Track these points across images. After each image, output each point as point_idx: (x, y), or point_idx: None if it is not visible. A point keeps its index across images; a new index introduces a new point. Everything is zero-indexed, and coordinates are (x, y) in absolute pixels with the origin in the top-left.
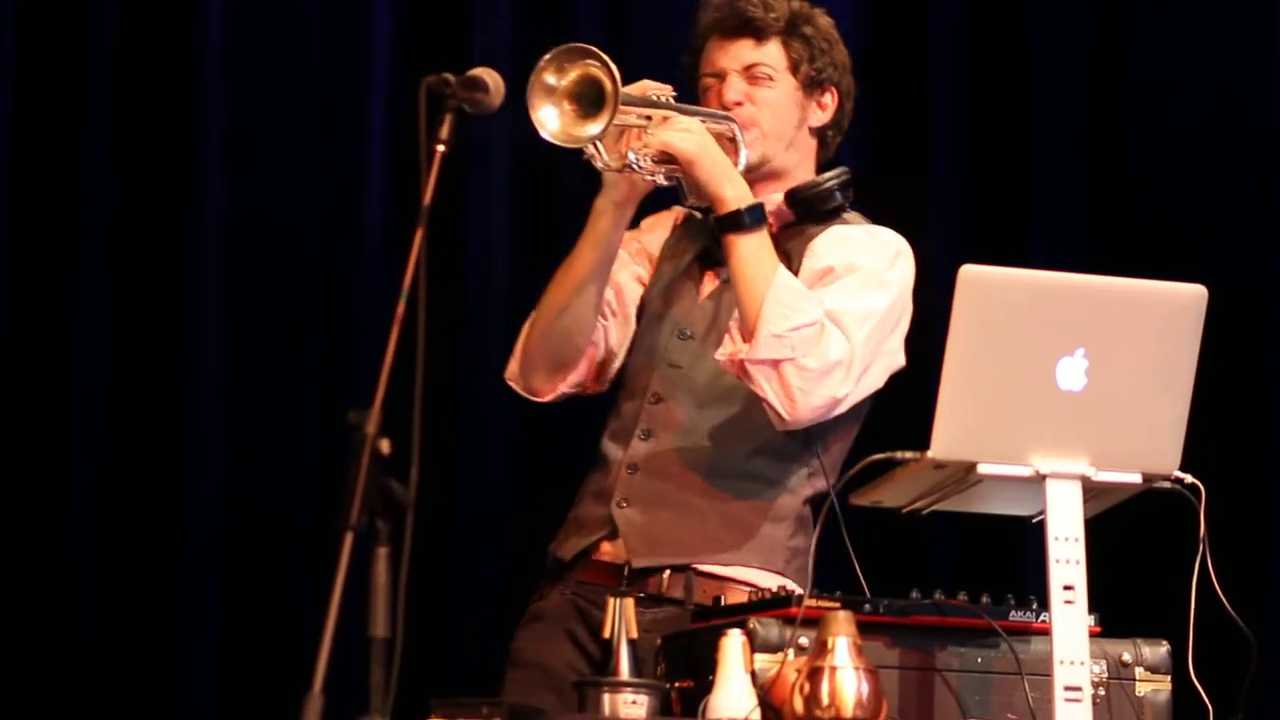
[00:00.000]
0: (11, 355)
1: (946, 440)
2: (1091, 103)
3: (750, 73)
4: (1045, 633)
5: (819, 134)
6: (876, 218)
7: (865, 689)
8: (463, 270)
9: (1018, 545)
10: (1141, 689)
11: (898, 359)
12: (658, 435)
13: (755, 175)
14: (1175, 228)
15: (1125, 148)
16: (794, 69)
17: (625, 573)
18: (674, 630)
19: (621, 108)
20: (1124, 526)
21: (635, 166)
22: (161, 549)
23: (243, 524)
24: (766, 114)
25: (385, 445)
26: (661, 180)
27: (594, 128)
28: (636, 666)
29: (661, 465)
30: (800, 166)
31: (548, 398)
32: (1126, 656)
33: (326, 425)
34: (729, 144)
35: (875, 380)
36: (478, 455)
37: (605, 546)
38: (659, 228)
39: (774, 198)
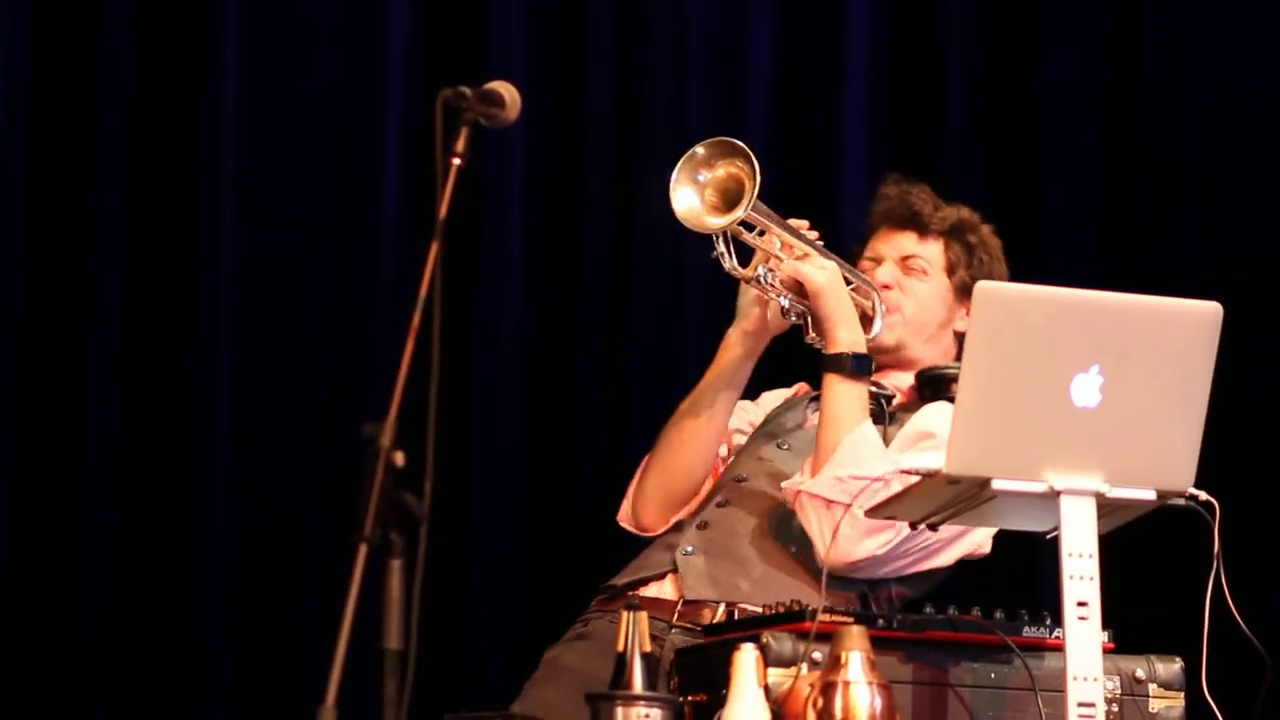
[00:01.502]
0: (26, 365)
1: (961, 456)
2: (1107, 116)
3: (906, 263)
4: (1059, 649)
5: (960, 339)
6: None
7: (879, 704)
8: (478, 283)
9: (1032, 561)
10: (1155, 705)
11: (981, 548)
12: (732, 506)
13: (890, 358)
14: (1190, 245)
15: (1141, 163)
16: (950, 270)
17: (679, 608)
18: None
19: (765, 224)
20: (1138, 543)
21: (762, 280)
22: (174, 563)
23: (256, 536)
24: (912, 303)
25: (400, 458)
26: (784, 303)
27: (719, 220)
28: (650, 680)
29: (733, 525)
30: (935, 361)
31: (657, 531)
32: (1140, 673)
33: (341, 437)
34: (864, 315)
35: (944, 560)
36: (492, 468)
37: (659, 584)
38: (783, 394)
39: (904, 379)
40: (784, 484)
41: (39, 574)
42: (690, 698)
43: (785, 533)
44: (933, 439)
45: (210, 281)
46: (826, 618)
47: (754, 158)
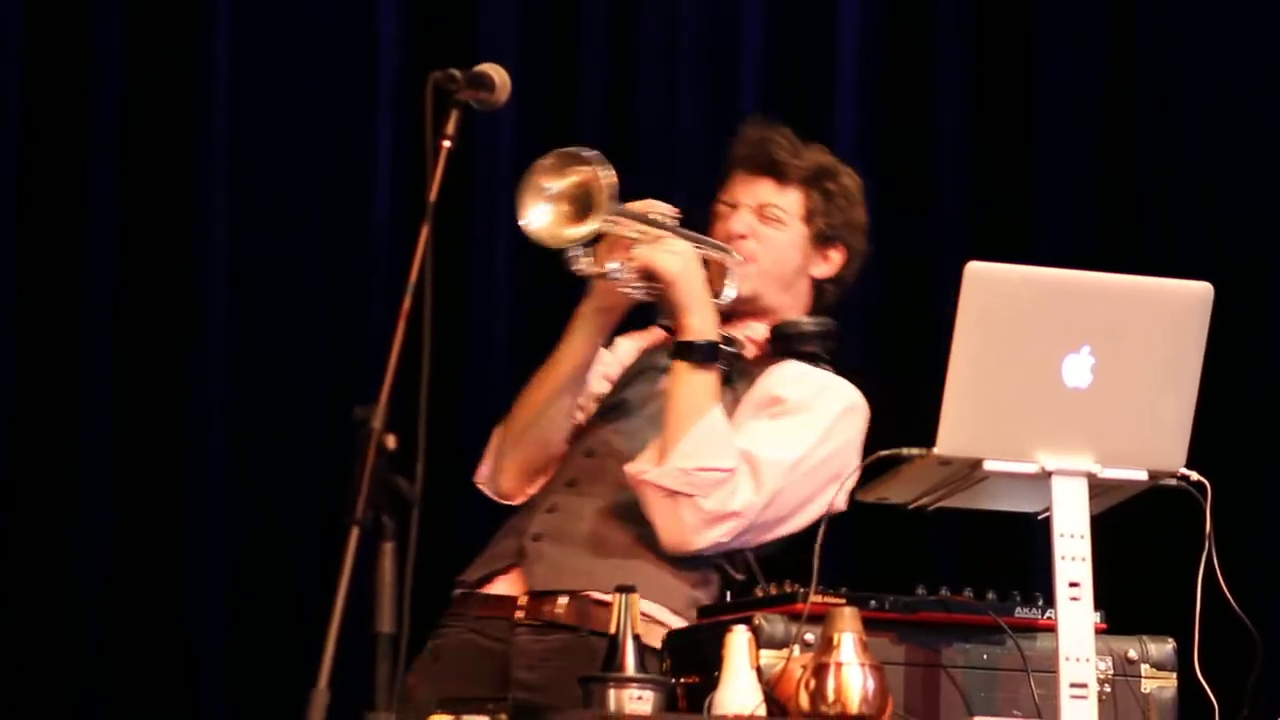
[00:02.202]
0: (19, 362)
1: (952, 437)
2: (1098, 100)
3: (763, 211)
4: (1051, 629)
5: (818, 285)
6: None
7: (871, 685)
8: (468, 266)
9: (1023, 542)
10: (1147, 686)
11: (836, 505)
12: (581, 485)
13: (745, 308)
14: (1181, 225)
15: (1132, 145)
16: (807, 218)
17: (520, 603)
18: (576, 659)
19: (618, 219)
20: (1130, 523)
21: (615, 275)
22: (167, 545)
23: (248, 520)
24: (769, 254)
25: (391, 441)
26: (640, 295)
27: (576, 231)
28: (642, 662)
29: (580, 508)
30: (791, 310)
31: (517, 500)
32: (1132, 653)
33: (332, 420)
34: (721, 272)
35: (795, 526)
36: (483, 450)
37: (506, 579)
38: (638, 340)
39: (759, 329)
40: (627, 468)
41: (35, 571)
42: (682, 679)
43: (633, 514)
44: (781, 404)
45: (205, 265)
46: (819, 599)
47: (600, 158)
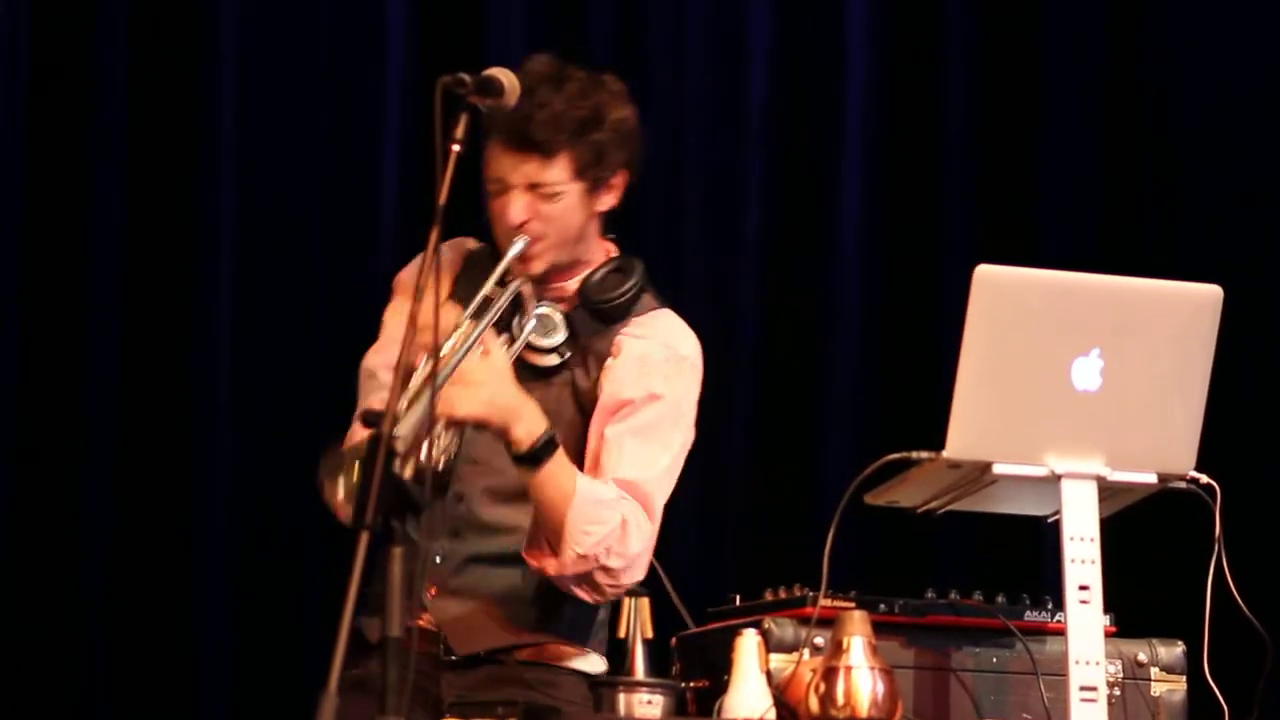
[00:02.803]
0: (23, 364)
1: (962, 440)
2: (1104, 100)
3: (537, 191)
4: (1061, 633)
5: (603, 216)
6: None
7: (880, 689)
8: None
9: (1033, 545)
10: (1157, 689)
11: (689, 439)
12: (463, 533)
13: (550, 275)
14: (1188, 227)
15: (1139, 147)
16: (580, 174)
17: (442, 649)
18: (503, 684)
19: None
20: (1139, 526)
21: (451, 450)
22: (174, 548)
23: (256, 523)
24: (555, 226)
25: (400, 445)
26: (465, 434)
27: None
28: (652, 666)
29: (469, 558)
30: (587, 251)
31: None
32: (1142, 656)
33: (341, 423)
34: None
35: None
36: None
37: (424, 619)
38: (447, 273)
39: (569, 285)
40: (528, 561)
41: (39, 573)
42: (692, 683)
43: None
44: (632, 407)
45: (210, 268)
46: (828, 603)
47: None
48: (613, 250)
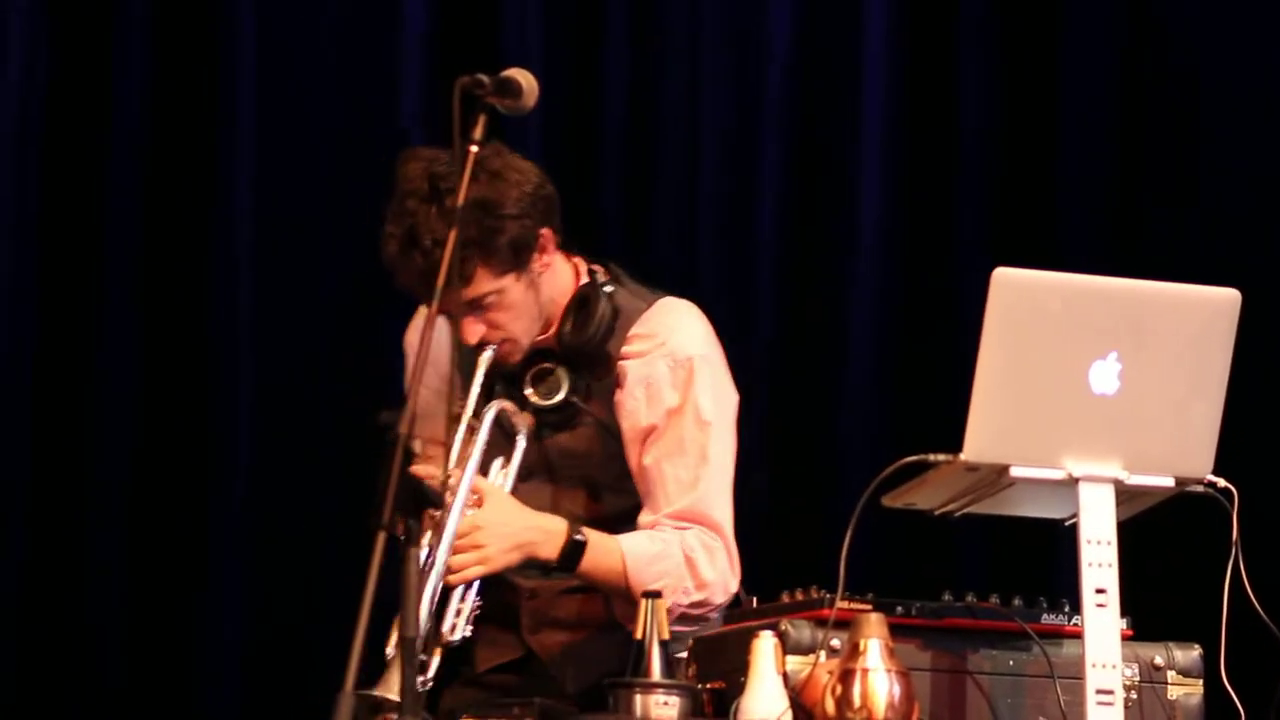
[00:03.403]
0: (38, 365)
1: (980, 443)
2: (1123, 104)
3: (477, 304)
4: (1077, 636)
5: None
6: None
7: (897, 691)
8: None
9: (1050, 548)
10: (1173, 693)
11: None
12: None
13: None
14: (1208, 231)
15: (1158, 150)
16: (506, 272)
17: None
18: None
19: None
20: (1157, 530)
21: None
22: (191, 549)
23: (271, 525)
24: (515, 323)
25: (417, 445)
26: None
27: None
28: (668, 668)
29: (562, 591)
30: (555, 296)
31: None
32: (1159, 660)
33: (358, 425)
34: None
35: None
36: None
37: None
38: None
39: (550, 338)
40: (629, 627)
41: (55, 575)
42: (708, 685)
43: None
44: (657, 434)
45: (229, 269)
46: (845, 605)
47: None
48: (580, 268)
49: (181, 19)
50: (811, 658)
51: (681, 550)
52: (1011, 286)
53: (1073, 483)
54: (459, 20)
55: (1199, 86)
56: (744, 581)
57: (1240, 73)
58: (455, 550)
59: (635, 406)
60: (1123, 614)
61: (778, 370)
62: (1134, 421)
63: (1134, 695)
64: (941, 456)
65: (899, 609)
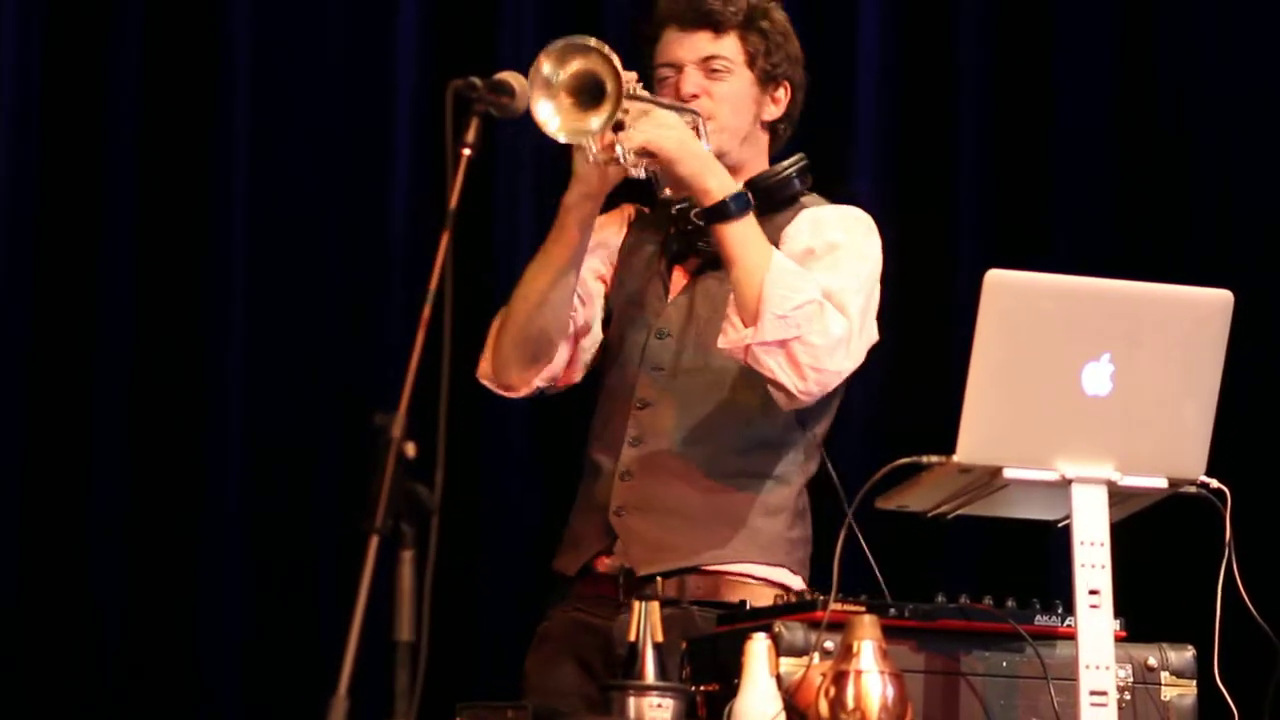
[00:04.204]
0: (34, 367)
1: (972, 444)
2: (1118, 103)
3: (708, 65)
4: (1071, 637)
5: (771, 127)
6: (834, 188)
7: (890, 693)
8: (489, 274)
9: (1043, 550)
10: (1167, 694)
11: (874, 334)
12: (647, 440)
13: None
14: (1201, 232)
15: (1151, 150)
16: (750, 63)
17: (621, 581)
18: (676, 632)
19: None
20: (1150, 531)
21: (622, 160)
22: (185, 554)
23: (266, 528)
24: (724, 108)
25: (410, 448)
26: (640, 174)
27: (596, 121)
28: (661, 670)
29: (654, 470)
30: (754, 160)
31: (523, 393)
32: (1152, 661)
33: (352, 429)
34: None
35: (861, 355)
36: (503, 458)
37: (604, 558)
38: (612, 225)
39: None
40: (723, 343)
41: (51, 578)
42: (702, 687)
43: (712, 464)
44: (814, 252)
45: (223, 272)
46: (838, 607)
47: (601, 43)
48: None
49: (177, 15)
50: (805, 660)
51: (819, 294)
52: (1004, 288)
53: (1066, 484)
54: (453, 19)
55: (1193, 93)
56: None
57: (1235, 77)
58: (635, 118)
59: (798, 234)
60: (1116, 615)
61: None
62: (1127, 422)
63: (1127, 696)
64: (934, 458)
65: (892, 611)
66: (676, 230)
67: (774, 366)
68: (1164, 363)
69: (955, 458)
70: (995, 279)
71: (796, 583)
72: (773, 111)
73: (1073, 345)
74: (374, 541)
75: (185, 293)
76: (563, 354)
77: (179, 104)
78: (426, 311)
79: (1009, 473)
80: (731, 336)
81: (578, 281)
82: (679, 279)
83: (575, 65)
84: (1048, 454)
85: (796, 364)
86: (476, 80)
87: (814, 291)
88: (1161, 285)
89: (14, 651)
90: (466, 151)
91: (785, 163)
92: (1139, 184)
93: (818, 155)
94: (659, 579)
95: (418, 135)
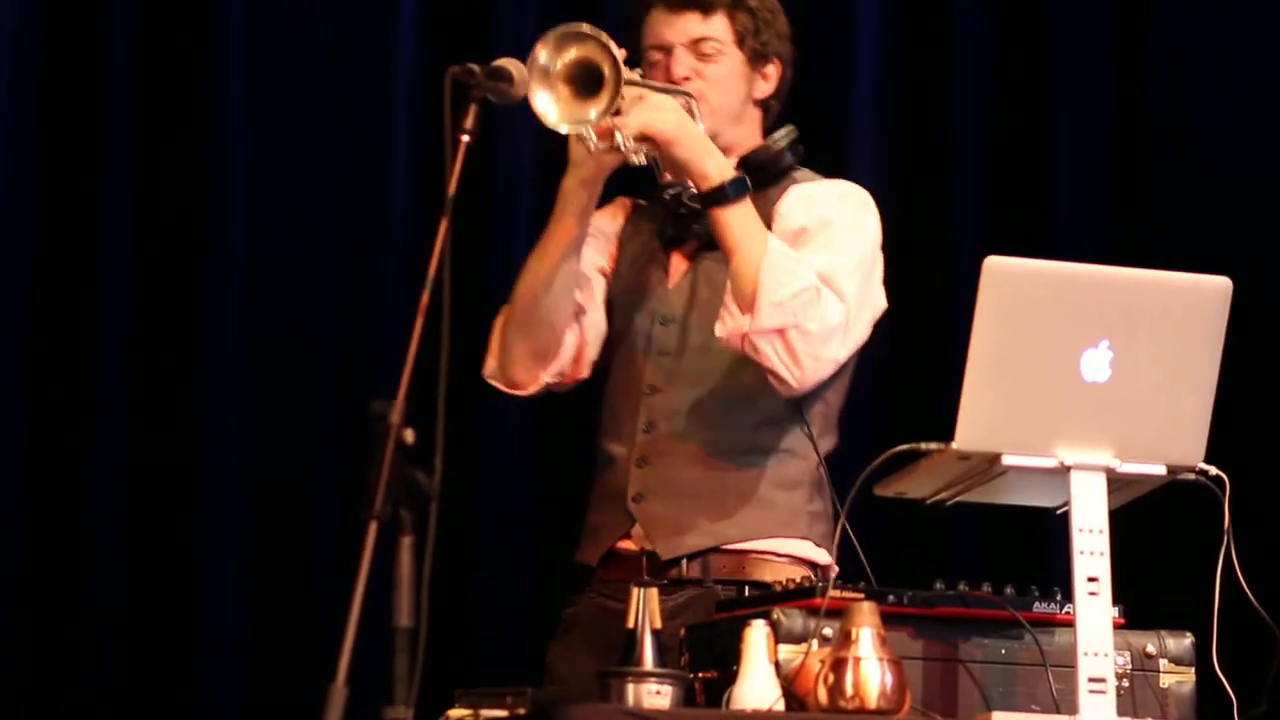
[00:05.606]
0: (33, 359)
1: (971, 431)
2: (1116, 92)
3: (698, 48)
4: (1069, 624)
5: (763, 105)
6: (830, 175)
7: (889, 680)
8: (487, 260)
9: (1042, 537)
10: (1165, 680)
11: (880, 303)
12: (659, 425)
13: None
14: (1199, 219)
15: (1150, 137)
16: (740, 42)
17: (644, 562)
18: (701, 612)
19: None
20: (1148, 518)
21: (621, 147)
22: (182, 540)
23: (264, 514)
24: (715, 90)
25: (409, 435)
26: (639, 160)
27: (595, 110)
28: (660, 657)
29: (669, 454)
30: (747, 139)
31: (530, 390)
32: (1150, 648)
33: (350, 415)
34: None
35: (865, 330)
36: (502, 444)
37: (624, 541)
38: (609, 217)
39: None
40: (720, 331)
41: (49, 572)
42: (701, 674)
43: (726, 444)
44: (807, 231)
45: (221, 260)
46: (837, 594)
47: (597, 30)
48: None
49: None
50: (804, 647)
51: (815, 280)
52: (1002, 275)
53: (1064, 471)
54: (451, 12)
55: (1190, 81)
56: None
57: (1231, 67)
58: (631, 103)
59: (790, 212)
60: (1114, 602)
61: None
62: (1125, 409)
63: (1126, 683)
64: (933, 445)
65: (891, 598)
66: (672, 215)
67: (771, 354)
68: (1163, 350)
69: (954, 444)
70: (994, 266)
71: (822, 556)
72: (763, 89)
73: (1071, 332)
74: (373, 528)
75: (182, 281)
76: (569, 346)
77: (175, 90)
78: (425, 298)
79: (1008, 459)
80: (729, 324)
81: (579, 270)
82: (678, 264)
83: (572, 53)
84: (1046, 441)
85: (793, 352)
86: (475, 67)
87: (810, 277)
88: (1160, 272)
89: (14, 651)
90: (465, 138)
91: (776, 135)
92: (1138, 169)
93: (813, 139)
94: (684, 561)
95: (416, 122)
